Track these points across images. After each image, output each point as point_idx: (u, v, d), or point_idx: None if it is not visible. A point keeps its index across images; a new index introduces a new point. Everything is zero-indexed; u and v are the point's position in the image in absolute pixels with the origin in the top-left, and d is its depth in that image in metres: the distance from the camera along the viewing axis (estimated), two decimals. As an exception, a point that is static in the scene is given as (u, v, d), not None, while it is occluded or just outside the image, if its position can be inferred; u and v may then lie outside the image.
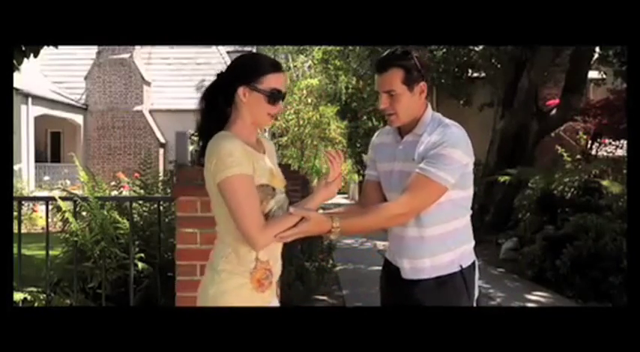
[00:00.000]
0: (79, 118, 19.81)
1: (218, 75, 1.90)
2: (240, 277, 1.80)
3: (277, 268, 1.92)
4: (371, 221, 1.97)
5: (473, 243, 2.13)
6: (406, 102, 2.01)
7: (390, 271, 2.17)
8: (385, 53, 2.06)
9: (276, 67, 1.84)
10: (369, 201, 2.20)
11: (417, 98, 2.03)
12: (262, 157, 1.86)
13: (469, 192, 2.08)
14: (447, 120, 2.08)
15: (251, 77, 1.80)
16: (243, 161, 1.73)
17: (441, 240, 2.03)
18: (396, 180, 2.07)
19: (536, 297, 5.96)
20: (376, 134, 2.31)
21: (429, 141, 2.00)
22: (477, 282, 2.11)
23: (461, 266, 2.04)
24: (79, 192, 4.70)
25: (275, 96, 1.82)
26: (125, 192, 5.48)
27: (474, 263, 2.10)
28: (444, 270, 2.02)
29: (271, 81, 1.81)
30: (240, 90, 1.80)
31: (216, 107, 1.86)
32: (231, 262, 1.81)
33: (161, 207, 3.80)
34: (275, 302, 1.96)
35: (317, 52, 20.22)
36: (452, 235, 2.05)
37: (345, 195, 31.20)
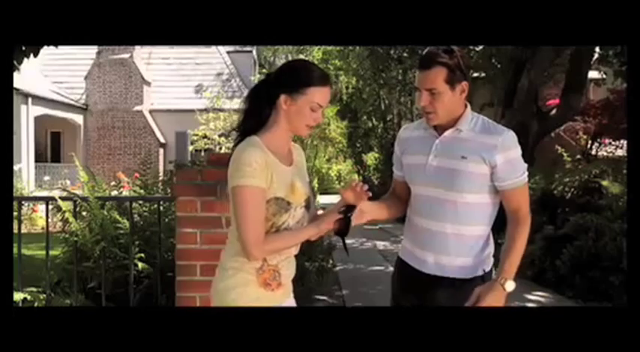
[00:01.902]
0: (79, 118, 19.82)
1: (267, 75, 1.87)
2: (246, 274, 1.82)
3: (289, 269, 1.92)
4: (520, 251, 2.06)
5: (493, 248, 2.14)
6: (447, 101, 1.96)
7: (407, 272, 2.14)
8: (427, 50, 1.99)
9: (322, 81, 1.81)
10: (400, 198, 2.22)
11: (458, 97, 1.99)
12: (286, 170, 1.83)
13: None
14: (488, 119, 2.08)
15: (295, 86, 1.78)
16: (260, 173, 1.73)
17: (476, 241, 2.05)
18: (432, 174, 2.04)
19: (536, 297, 5.94)
20: (403, 128, 2.29)
21: (487, 143, 1.98)
22: None
23: (483, 270, 2.05)
24: (79, 192, 4.69)
25: (314, 110, 1.80)
26: (125, 192, 5.47)
27: (491, 269, 2.11)
28: (468, 273, 2.02)
29: (315, 94, 1.79)
30: (282, 98, 1.79)
31: (258, 109, 1.84)
32: (238, 260, 1.82)
33: (161, 207, 3.80)
34: (290, 302, 1.96)
35: (317, 52, 20.17)
36: (485, 238, 2.08)
37: None
